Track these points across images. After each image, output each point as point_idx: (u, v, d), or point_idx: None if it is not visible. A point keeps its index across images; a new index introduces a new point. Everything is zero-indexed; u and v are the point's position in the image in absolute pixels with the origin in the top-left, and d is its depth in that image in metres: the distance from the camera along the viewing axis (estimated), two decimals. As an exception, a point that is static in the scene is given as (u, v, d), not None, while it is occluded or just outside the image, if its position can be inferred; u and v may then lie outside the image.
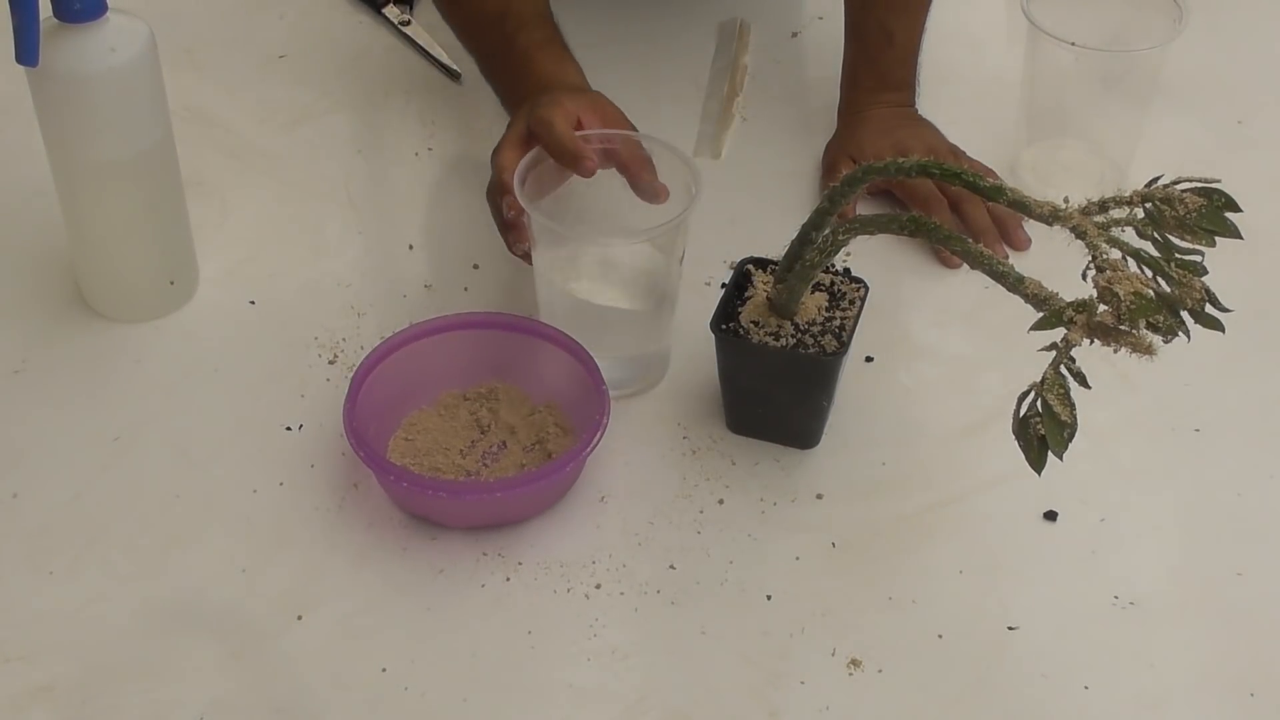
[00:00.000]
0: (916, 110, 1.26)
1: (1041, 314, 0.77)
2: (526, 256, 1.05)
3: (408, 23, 1.41)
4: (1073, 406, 0.75)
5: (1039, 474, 0.77)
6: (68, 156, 1.04)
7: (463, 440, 1.03)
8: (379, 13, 1.43)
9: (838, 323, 1.01)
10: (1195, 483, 1.03)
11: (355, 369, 1.01)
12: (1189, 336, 0.76)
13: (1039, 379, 0.76)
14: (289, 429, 1.05)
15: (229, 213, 1.22)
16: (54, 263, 1.15)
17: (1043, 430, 0.75)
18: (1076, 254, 0.78)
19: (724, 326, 1.01)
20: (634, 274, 1.06)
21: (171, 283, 1.12)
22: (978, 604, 0.95)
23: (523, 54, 1.15)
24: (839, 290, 1.03)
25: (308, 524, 0.99)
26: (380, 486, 0.99)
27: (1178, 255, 0.78)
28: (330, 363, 1.09)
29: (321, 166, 1.27)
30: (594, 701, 0.89)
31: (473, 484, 0.99)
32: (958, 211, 1.19)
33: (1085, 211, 0.80)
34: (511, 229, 1.05)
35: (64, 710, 0.88)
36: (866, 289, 1.03)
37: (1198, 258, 0.79)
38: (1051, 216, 0.80)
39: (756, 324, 1.01)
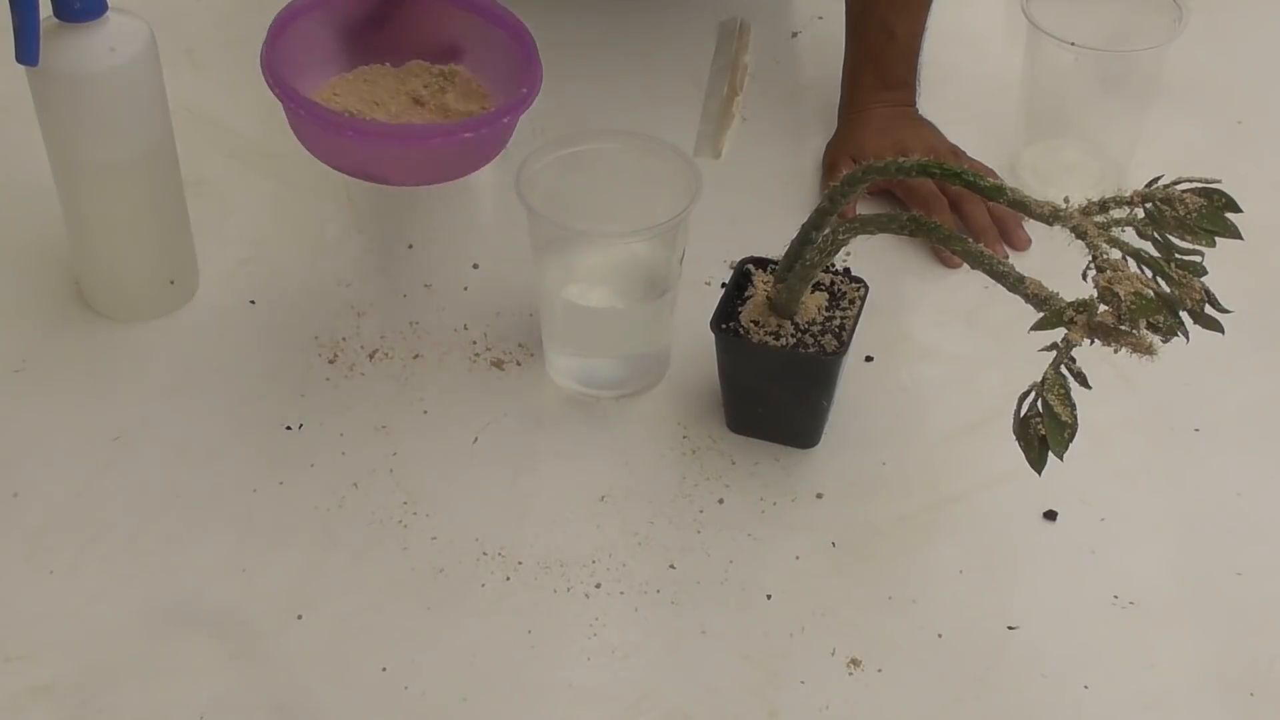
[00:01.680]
0: (918, 110, 1.26)
1: (1042, 314, 0.78)
2: None
3: (408, 22, 1.41)
4: (1073, 407, 0.75)
5: (1039, 474, 0.77)
6: (68, 156, 1.04)
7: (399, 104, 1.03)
8: (379, 12, 1.43)
9: (838, 322, 1.01)
10: (1195, 482, 1.03)
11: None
12: (1188, 337, 0.76)
13: (1039, 379, 0.76)
14: (289, 428, 1.05)
15: (229, 212, 1.22)
16: (54, 262, 1.15)
17: (1043, 430, 0.75)
18: (1076, 254, 0.78)
19: (724, 326, 1.01)
20: (633, 273, 1.06)
21: (172, 282, 1.12)
22: (978, 603, 0.95)
23: None
24: (839, 290, 1.03)
25: (307, 523, 0.99)
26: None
27: (1178, 255, 0.78)
28: (330, 362, 1.09)
29: (321, 166, 1.27)
30: (594, 701, 0.90)
31: (377, 126, 0.98)
32: (957, 211, 1.19)
33: (1085, 211, 0.80)
34: None
35: (64, 710, 0.88)
36: (866, 289, 1.03)
37: (1198, 258, 0.79)
38: (1052, 216, 0.80)
39: (756, 323, 1.01)
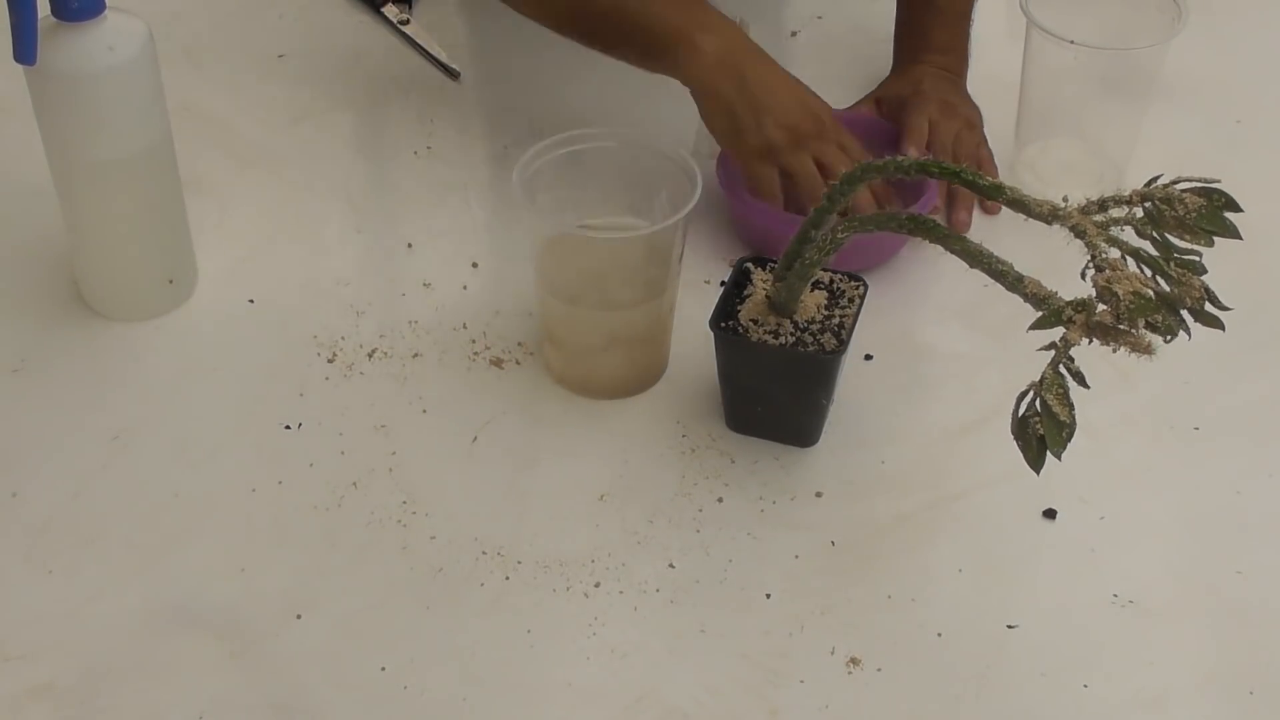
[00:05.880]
0: (964, 84, 1.29)
1: (1040, 313, 0.77)
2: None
3: (407, 22, 1.41)
4: (1071, 406, 0.75)
5: (1038, 474, 0.77)
6: (66, 156, 1.04)
7: None
8: (378, 12, 1.43)
9: (837, 321, 1.01)
10: (1194, 481, 1.03)
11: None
12: (1190, 335, 0.76)
13: (1038, 378, 0.76)
14: (288, 428, 1.05)
15: (228, 212, 1.22)
16: (53, 262, 1.15)
17: (1041, 430, 0.75)
18: (1076, 253, 0.78)
19: (723, 325, 1.01)
20: (632, 272, 1.06)
21: (170, 282, 1.12)
22: (977, 602, 0.95)
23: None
24: (838, 288, 1.03)
25: (307, 523, 0.99)
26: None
27: (1177, 254, 0.78)
28: (329, 361, 1.09)
29: (321, 165, 1.27)
30: (593, 700, 0.89)
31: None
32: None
33: (1084, 211, 0.80)
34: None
35: (64, 709, 0.88)
36: (866, 287, 1.03)
37: (1197, 257, 0.79)
38: (1051, 216, 0.80)
39: (756, 322, 1.01)
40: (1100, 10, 1.20)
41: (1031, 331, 0.77)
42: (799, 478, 1.02)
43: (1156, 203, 0.79)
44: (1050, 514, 1.00)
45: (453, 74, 1.37)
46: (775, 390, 1.02)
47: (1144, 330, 0.74)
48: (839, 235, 0.93)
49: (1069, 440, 0.75)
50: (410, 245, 1.20)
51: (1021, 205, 0.82)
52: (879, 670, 0.91)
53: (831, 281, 1.03)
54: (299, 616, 0.93)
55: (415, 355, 1.10)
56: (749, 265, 1.04)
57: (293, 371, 1.09)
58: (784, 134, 1.11)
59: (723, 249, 1.17)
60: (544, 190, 1.04)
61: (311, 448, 1.03)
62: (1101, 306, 0.75)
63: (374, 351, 1.10)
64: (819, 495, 1.01)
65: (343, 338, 1.11)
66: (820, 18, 1.44)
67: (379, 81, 1.37)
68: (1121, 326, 0.74)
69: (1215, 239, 0.79)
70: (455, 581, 0.95)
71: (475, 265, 1.17)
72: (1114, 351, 0.75)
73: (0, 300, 1.14)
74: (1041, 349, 0.77)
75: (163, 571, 0.96)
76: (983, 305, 1.13)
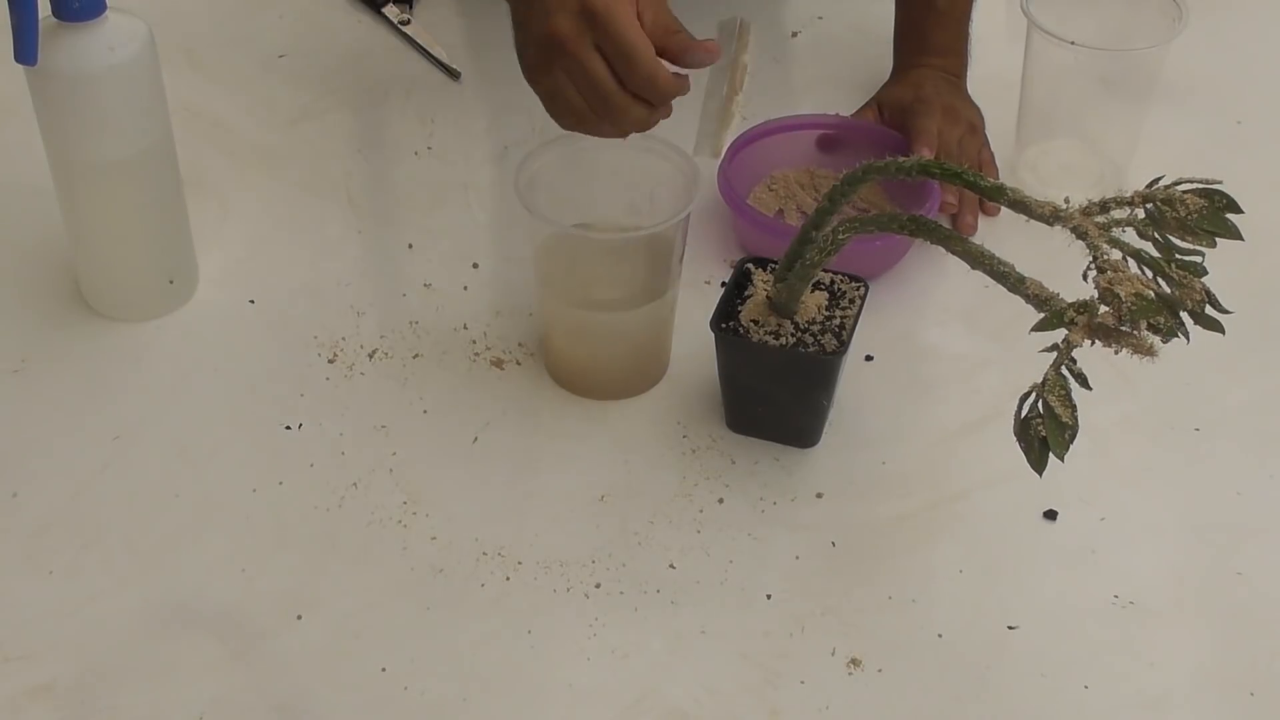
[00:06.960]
0: (964, 82, 1.29)
1: (1042, 315, 0.77)
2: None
3: (407, 22, 1.41)
4: (1074, 408, 0.75)
5: (1040, 475, 0.77)
6: (67, 156, 1.04)
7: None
8: (379, 12, 1.43)
9: (837, 321, 1.01)
10: (1195, 482, 1.03)
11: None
12: (1188, 338, 0.76)
13: (1040, 380, 0.76)
14: (288, 428, 1.05)
15: (228, 212, 1.22)
16: (53, 262, 1.15)
17: (1044, 431, 0.75)
18: (1077, 254, 0.78)
19: (724, 325, 1.01)
20: (633, 272, 1.06)
21: (171, 282, 1.12)
22: (977, 603, 0.95)
23: None
24: (839, 289, 1.03)
25: (307, 523, 0.99)
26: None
27: (1178, 256, 0.78)
28: (330, 361, 1.09)
29: (321, 166, 1.27)
30: (594, 701, 0.90)
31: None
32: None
33: (1086, 212, 0.80)
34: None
35: (64, 710, 0.88)
36: (867, 288, 1.03)
37: (1198, 258, 0.79)
38: (1052, 217, 0.80)
39: (756, 323, 1.01)
40: (1100, 10, 1.20)
41: (1033, 333, 0.77)
42: (799, 478, 1.02)
43: (1158, 204, 0.79)
44: (1051, 515, 1.00)
45: (453, 74, 1.37)
46: (776, 391, 1.02)
47: (1146, 332, 0.74)
48: (840, 236, 0.93)
49: (1071, 442, 0.75)
50: (410, 245, 1.20)
51: (1023, 206, 0.82)
52: (879, 671, 0.91)
53: (832, 282, 1.03)
54: (299, 616, 0.93)
55: (416, 356, 1.10)
56: (750, 266, 1.04)
57: (293, 371, 1.09)
58: (531, 70, 0.99)
59: (723, 249, 1.17)
60: (544, 190, 1.04)
61: (312, 448, 1.03)
62: (1103, 308, 0.75)
63: (374, 352, 1.10)
64: (819, 496, 1.01)
65: (343, 338, 1.11)
66: (821, 18, 1.44)
67: (379, 81, 1.37)
68: (1123, 328, 0.74)
69: (1216, 240, 0.79)
70: (455, 582, 0.95)
71: (475, 265, 1.17)
72: (1115, 353, 0.75)
73: (1, 300, 1.14)
74: (1043, 350, 0.77)
75: (163, 571, 0.96)
76: (984, 307, 1.14)
